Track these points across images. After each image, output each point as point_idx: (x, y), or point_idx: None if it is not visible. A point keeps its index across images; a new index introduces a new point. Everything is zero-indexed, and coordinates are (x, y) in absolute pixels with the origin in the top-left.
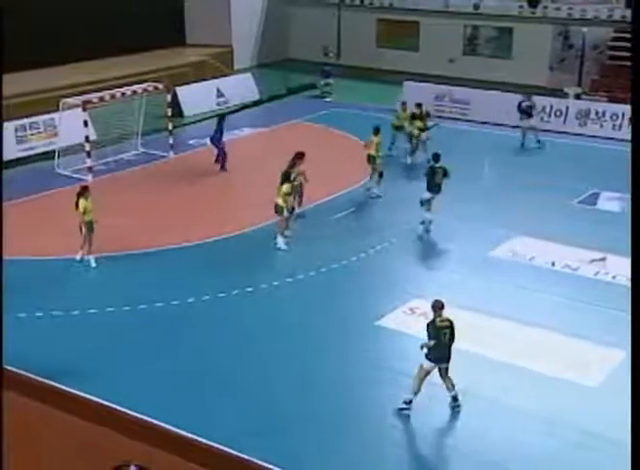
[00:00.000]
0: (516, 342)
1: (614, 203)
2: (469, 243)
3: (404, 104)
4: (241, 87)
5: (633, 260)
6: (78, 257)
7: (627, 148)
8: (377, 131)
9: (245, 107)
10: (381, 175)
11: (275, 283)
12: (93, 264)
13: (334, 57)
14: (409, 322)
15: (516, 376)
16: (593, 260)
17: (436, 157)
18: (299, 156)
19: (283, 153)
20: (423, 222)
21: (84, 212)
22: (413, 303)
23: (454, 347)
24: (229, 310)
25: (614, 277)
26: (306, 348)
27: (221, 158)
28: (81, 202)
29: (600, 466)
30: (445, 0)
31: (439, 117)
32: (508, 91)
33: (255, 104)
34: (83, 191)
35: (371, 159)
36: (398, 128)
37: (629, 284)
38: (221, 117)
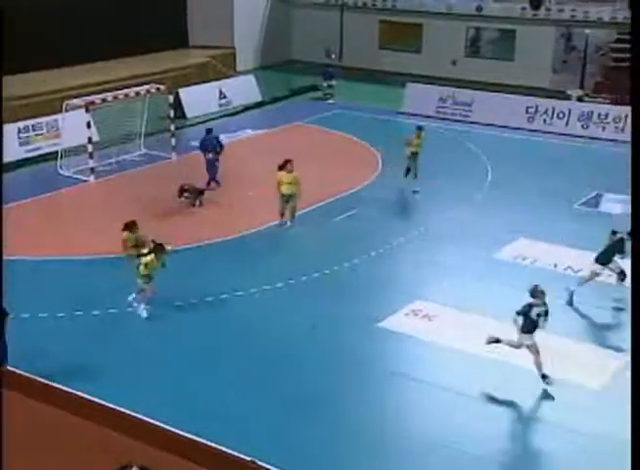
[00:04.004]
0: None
1: (616, 205)
2: (472, 245)
3: (420, 129)
4: (243, 89)
5: (633, 260)
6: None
7: (629, 150)
8: (420, 130)
9: (247, 108)
10: (409, 171)
11: (277, 285)
12: (144, 315)
13: (336, 58)
14: (412, 324)
15: (520, 378)
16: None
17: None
18: (286, 163)
19: (284, 154)
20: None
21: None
22: (415, 304)
23: (460, 349)
24: (229, 313)
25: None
26: (306, 349)
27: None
28: (126, 235)
29: (605, 468)
30: (448, 2)
31: (443, 118)
32: (511, 93)
33: (258, 105)
34: (131, 225)
35: (412, 156)
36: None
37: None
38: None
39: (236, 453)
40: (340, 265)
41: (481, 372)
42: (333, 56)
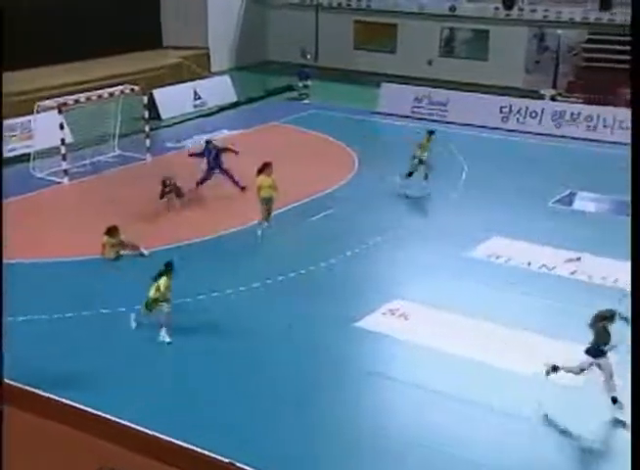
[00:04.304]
0: (494, 342)
1: (589, 203)
2: (447, 244)
3: (432, 133)
4: (218, 89)
5: (633, 260)
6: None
7: (602, 149)
8: (431, 134)
9: (222, 109)
10: (411, 174)
11: (253, 285)
12: (167, 339)
13: (311, 59)
14: (388, 323)
15: (495, 377)
16: (569, 260)
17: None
18: (265, 166)
19: (260, 155)
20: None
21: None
22: (392, 304)
23: (436, 347)
24: (205, 313)
25: (589, 277)
26: (282, 349)
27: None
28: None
29: (582, 464)
30: (421, 2)
31: (419, 118)
32: (485, 93)
33: (233, 106)
34: (112, 230)
35: (419, 160)
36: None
37: (605, 283)
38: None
39: (214, 455)
40: (316, 265)
41: (457, 371)
42: (308, 56)
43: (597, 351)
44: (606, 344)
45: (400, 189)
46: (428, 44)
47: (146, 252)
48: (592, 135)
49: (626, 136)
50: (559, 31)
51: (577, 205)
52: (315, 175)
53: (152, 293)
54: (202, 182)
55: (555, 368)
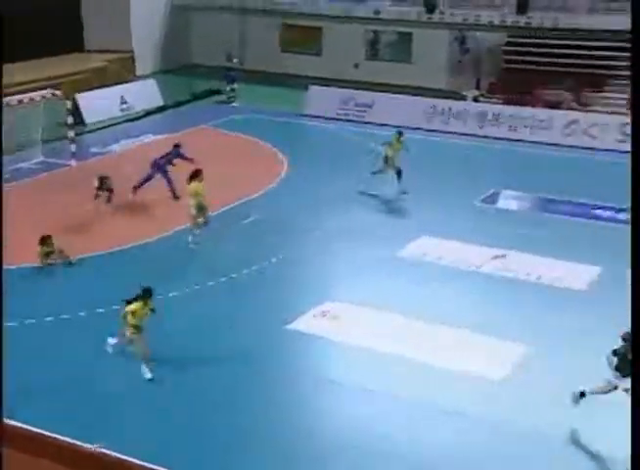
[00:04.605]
0: (426, 339)
1: (512, 201)
2: (377, 244)
3: (401, 134)
4: (144, 93)
5: (633, 259)
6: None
7: (523, 148)
8: (400, 134)
9: (149, 113)
10: (399, 173)
11: (184, 290)
12: (148, 376)
13: (238, 62)
14: (320, 325)
15: (425, 372)
16: (495, 257)
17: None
18: (197, 172)
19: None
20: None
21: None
22: (324, 306)
23: (367, 347)
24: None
25: (514, 273)
26: (214, 354)
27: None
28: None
29: (509, 457)
30: (346, 6)
31: (345, 120)
32: (409, 94)
33: (160, 110)
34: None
35: (388, 160)
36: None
37: (529, 279)
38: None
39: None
40: (248, 269)
41: (390, 370)
42: (234, 59)
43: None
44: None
45: (367, 190)
46: (353, 47)
47: (74, 259)
48: (513, 135)
49: (546, 135)
50: (478, 34)
51: (502, 203)
52: (245, 178)
53: (129, 318)
54: (140, 185)
55: (582, 394)
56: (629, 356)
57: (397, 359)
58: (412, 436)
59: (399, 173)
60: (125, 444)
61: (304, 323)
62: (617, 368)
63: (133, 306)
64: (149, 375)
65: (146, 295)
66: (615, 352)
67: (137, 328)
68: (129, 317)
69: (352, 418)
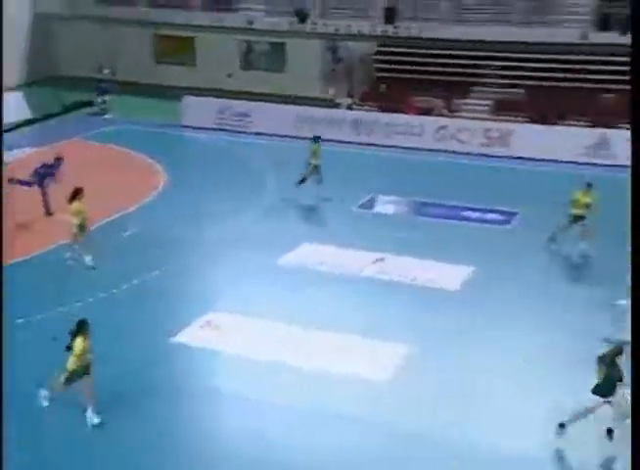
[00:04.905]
0: (307, 345)
1: (389, 206)
2: (258, 253)
3: (317, 139)
4: (12, 106)
5: (633, 258)
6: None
7: (397, 154)
8: (317, 139)
9: (18, 126)
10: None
11: (60, 310)
12: (95, 421)
13: (109, 73)
14: (203, 336)
15: (307, 378)
16: (375, 261)
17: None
18: (77, 191)
19: (66, 172)
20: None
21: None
22: (207, 316)
23: (245, 356)
24: (14, 339)
25: (390, 276)
26: (98, 369)
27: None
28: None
29: (394, 459)
30: (219, 16)
31: (223, 129)
32: (284, 103)
33: (29, 123)
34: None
35: (316, 167)
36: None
37: (404, 281)
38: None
39: None
40: (129, 283)
41: (270, 377)
42: (105, 71)
43: (607, 389)
44: (620, 380)
45: (247, 198)
46: (227, 57)
47: None
48: (388, 141)
49: (418, 141)
50: (350, 44)
51: (378, 208)
52: (123, 191)
53: (70, 364)
54: (18, 181)
55: (562, 425)
56: (611, 376)
57: (279, 366)
58: (291, 442)
59: (303, 181)
60: None
61: (188, 335)
62: (596, 392)
63: (77, 346)
64: (96, 420)
65: (82, 327)
66: (601, 359)
67: (86, 368)
68: (72, 361)
69: (235, 428)
